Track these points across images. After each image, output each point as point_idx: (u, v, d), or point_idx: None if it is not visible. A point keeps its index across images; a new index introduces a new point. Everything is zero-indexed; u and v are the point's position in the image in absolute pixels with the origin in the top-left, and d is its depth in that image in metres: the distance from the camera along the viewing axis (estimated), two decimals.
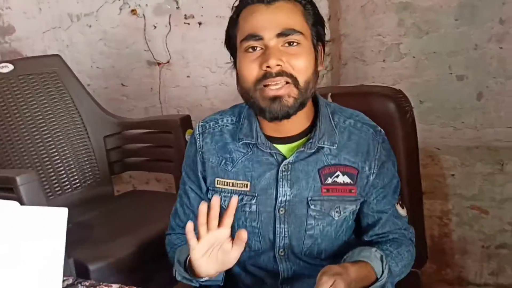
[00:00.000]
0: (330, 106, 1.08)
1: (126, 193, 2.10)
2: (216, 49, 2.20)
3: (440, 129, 1.98)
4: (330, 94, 1.25)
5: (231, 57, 1.05)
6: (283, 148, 1.04)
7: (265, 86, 0.96)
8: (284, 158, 1.03)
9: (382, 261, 0.99)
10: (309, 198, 1.03)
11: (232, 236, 0.96)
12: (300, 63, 0.96)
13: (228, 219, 0.91)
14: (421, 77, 1.96)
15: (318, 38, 1.01)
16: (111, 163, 1.98)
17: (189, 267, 0.98)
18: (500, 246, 1.87)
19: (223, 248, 0.92)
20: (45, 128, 1.88)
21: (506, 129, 1.90)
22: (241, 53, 0.99)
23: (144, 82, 2.39)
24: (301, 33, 0.96)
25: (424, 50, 1.93)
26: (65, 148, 1.89)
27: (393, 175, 1.09)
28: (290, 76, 0.96)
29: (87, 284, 0.99)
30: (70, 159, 1.89)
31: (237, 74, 1.03)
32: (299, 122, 1.03)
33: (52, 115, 1.90)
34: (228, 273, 1.08)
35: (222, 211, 0.91)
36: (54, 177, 1.84)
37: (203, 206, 0.89)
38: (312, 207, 1.04)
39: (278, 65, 0.94)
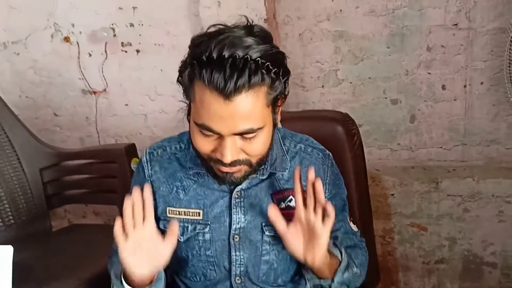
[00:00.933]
0: (280, 131, 1.09)
1: (65, 228, 1.98)
2: (155, 77, 2.18)
3: (378, 151, 2.07)
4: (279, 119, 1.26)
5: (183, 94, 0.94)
6: None
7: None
8: (237, 184, 1.02)
9: (336, 246, 1.03)
10: (264, 224, 1.03)
11: (185, 268, 0.92)
12: (257, 148, 0.92)
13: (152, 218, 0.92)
14: (359, 101, 2.05)
15: (282, 96, 0.93)
16: (48, 197, 1.87)
17: (124, 278, 0.95)
18: (439, 261, 1.96)
19: (155, 245, 0.92)
20: None
21: (437, 149, 2.03)
22: (195, 126, 0.91)
23: (78, 112, 2.30)
24: (261, 127, 0.89)
25: (360, 75, 2.02)
26: None
27: (342, 194, 1.11)
28: (245, 160, 0.92)
29: None
30: (2, 193, 1.76)
31: (188, 119, 0.95)
32: None
33: None
34: None
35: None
36: None
37: (128, 204, 0.90)
38: (267, 232, 1.03)
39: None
